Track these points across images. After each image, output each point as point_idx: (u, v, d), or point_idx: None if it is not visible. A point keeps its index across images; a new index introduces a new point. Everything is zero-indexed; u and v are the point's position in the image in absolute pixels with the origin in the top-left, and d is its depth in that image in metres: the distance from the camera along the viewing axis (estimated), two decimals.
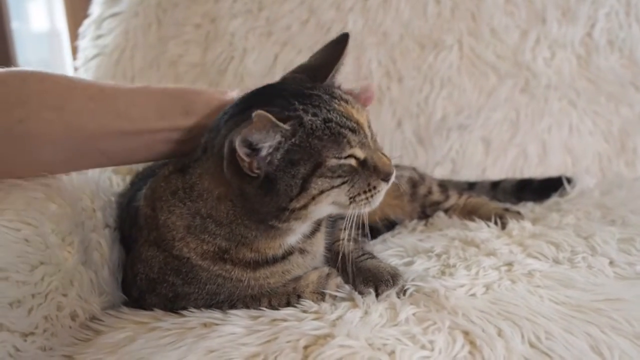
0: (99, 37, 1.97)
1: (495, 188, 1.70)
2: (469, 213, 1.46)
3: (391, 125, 1.86)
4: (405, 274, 1.06)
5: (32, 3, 2.82)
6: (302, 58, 1.81)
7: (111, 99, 1.04)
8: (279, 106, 0.91)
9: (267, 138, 0.87)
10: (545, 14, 1.88)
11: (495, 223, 1.36)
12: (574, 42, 1.88)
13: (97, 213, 1.14)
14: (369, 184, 0.94)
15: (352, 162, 0.92)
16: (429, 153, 1.86)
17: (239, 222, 0.96)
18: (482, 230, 1.31)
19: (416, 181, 1.52)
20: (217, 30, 1.92)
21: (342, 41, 1.03)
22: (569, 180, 1.69)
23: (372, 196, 0.94)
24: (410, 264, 1.13)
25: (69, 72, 2.18)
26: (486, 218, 1.38)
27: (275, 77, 1.80)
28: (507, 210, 1.44)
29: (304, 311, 0.96)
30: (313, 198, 0.91)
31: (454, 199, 1.54)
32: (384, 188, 0.95)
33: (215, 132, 0.96)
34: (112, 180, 1.24)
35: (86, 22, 1.99)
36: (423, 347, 0.82)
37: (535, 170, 1.83)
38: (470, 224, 1.36)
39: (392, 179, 0.96)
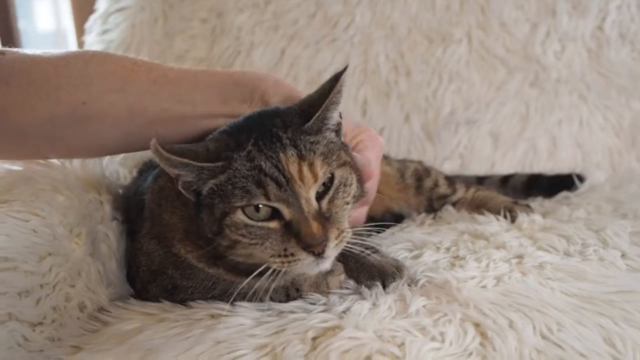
0: (105, 32, 1.97)
1: (505, 184, 1.69)
2: (478, 206, 1.45)
3: (399, 120, 1.85)
4: (413, 266, 1.06)
5: (38, 3, 2.82)
6: (309, 52, 1.88)
7: (174, 83, 1.02)
8: (240, 140, 0.89)
9: (174, 170, 0.87)
10: (556, 7, 1.88)
11: (505, 216, 1.34)
12: (584, 35, 1.87)
13: (105, 205, 1.14)
14: (286, 249, 0.87)
15: (274, 225, 0.87)
16: (437, 148, 1.85)
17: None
18: (492, 224, 1.29)
19: (421, 174, 1.50)
20: (224, 24, 1.92)
21: (337, 77, 0.93)
22: (580, 178, 1.68)
23: (288, 262, 0.87)
24: (418, 256, 1.12)
25: None
26: (495, 211, 1.37)
27: (282, 71, 1.83)
28: (516, 203, 1.43)
29: (312, 303, 0.95)
30: (229, 246, 0.90)
31: (461, 192, 1.52)
32: (306, 259, 0.86)
33: None
34: (119, 173, 1.24)
35: (92, 17, 1.99)
36: (433, 338, 0.81)
37: (545, 165, 1.82)
38: (479, 218, 1.34)
39: (323, 255, 0.86)
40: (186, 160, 0.85)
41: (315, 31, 1.89)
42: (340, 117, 0.96)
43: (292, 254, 0.86)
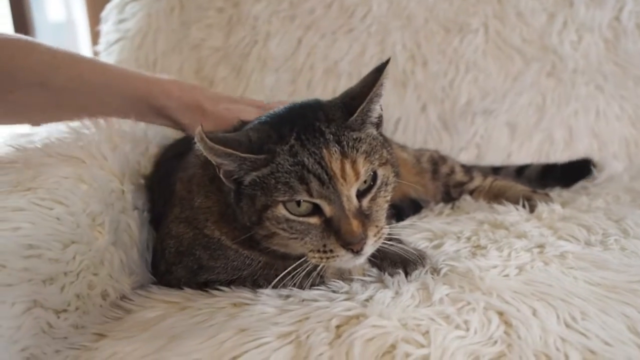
0: (121, 21, 1.97)
1: (520, 175, 1.68)
2: (496, 196, 1.44)
3: (416, 110, 1.84)
4: (435, 255, 1.06)
5: None
6: (326, 42, 1.88)
7: (91, 85, 1.16)
8: (282, 133, 0.89)
9: (217, 159, 0.88)
10: None
11: (523, 206, 1.34)
12: (601, 25, 1.86)
13: (127, 195, 1.15)
14: (325, 246, 0.88)
15: (315, 220, 0.88)
16: (453, 138, 1.84)
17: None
18: (511, 214, 1.29)
19: (437, 160, 1.50)
20: (240, 14, 1.91)
21: (380, 70, 0.94)
22: (594, 165, 1.67)
23: (327, 258, 0.88)
24: (439, 245, 1.12)
25: None
26: (514, 201, 1.36)
27: (299, 61, 1.82)
28: (535, 192, 1.42)
29: (334, 291, 0.95)
30: (266, 236, 0.91)
31: (478, 180, 1.52)
32: (345, 256, 0.88)
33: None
34: (140, 164, 1.24)
35: (108, 6, 1.99)
36: (458, 327, 0.81)
37: (562, 156, 1.81)
38: (499, 207, 1.34)
39: (361, 252, 0.88)
40: (230, 150, 0.86)
41: (331, 21, 1.88)
42: (381, 110, 0.97)
43: (331, 250, 0.87)
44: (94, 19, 2.12)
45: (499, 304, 0.86)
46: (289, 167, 0.85)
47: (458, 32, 1.86)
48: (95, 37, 2.07)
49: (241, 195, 0.90)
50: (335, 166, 0.86)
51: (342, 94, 0.97)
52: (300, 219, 0.87)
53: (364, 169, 0.88)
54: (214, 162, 0.89)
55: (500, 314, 0.84)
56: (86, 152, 1.13)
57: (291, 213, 0.87)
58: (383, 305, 0.87)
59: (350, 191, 0.87)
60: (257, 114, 1.06)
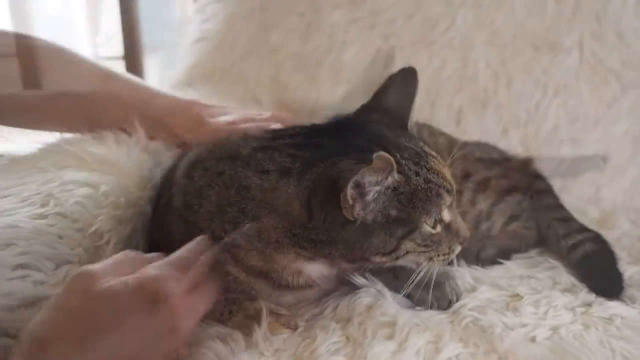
0: (203, 21, 1.95)
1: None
2: None
3: (496, 133, 1.71)
4: (465, 299, 0.98)
5: None
6: (404, 54, 1.78)
7: (127, 104, 1.19)
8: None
9: (380, 182, 0.80)
10: None
11: None
12: None
13: (145, 209, 1.08)
14: (449, 247, 0.90)
15: (439, 229, 0.88)
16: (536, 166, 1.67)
17: (279, 241, 0.88)
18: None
19: (481, 218, 1.33)
20: (319, 20, 1.85)
21: (411, 75, 0.95)
22: None
23: (448, 256, 0.91)
24: (473, 290, 1.02)
25: None
26: None
27: (374, 72, 1.74)
28: None
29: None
30: (397, 257, 0.87)
31: None
32: (459, 249, 0.92)
33: (297, 160, 0.87)
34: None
35: (192, 8, 1.99)
36: None
37: None
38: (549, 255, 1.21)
39: None
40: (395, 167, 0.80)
41: (412, 32, 1.78)
42: None
43: (453, 250, 0.90)
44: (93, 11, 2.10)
45: None
46: (424, 185, 0.84)
47: (549, 50, 1.72)
48: (94, 29, 2.06)
49: (370, 230, 0.84)
50: (447, 175, 0.88)
51: (367, 111, 0.97)
52: (434, 231, 0.87)
53: (451, 171, 0.91)
54: (351, 199, 0.80)
55: None
56: (105, 158, 1.08)
57: (434, 228, 0.87)
58: None
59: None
60: (256, 127, 1.04)
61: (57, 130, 1.18)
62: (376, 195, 0.81)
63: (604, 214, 1.55)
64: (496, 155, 1.46)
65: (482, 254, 1.21)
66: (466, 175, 1.33)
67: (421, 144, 0.91)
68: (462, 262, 1.13)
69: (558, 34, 1.71)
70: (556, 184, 1.63)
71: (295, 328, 0.91)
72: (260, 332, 0.86)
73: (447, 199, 0.87)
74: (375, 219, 0.82)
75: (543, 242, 1.30)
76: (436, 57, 1.76)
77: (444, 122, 1.69)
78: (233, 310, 0.93)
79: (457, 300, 0.97)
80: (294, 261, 0.89)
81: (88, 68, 1.20)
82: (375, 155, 0.75)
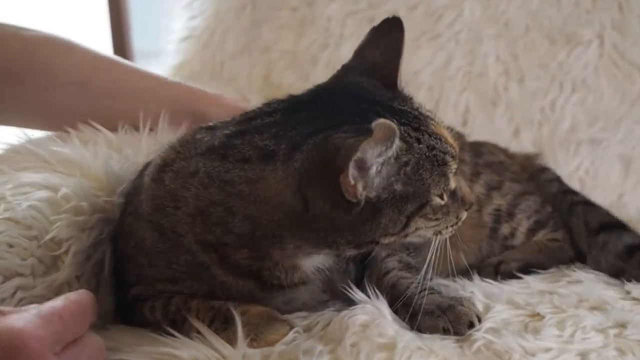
0: (191, 18, 1.86)
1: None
2: None
3: (507, 134, 1.62)
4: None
5: None
6: (406, 49, 1.61)
7: (131, 90, 1.14)
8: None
9: (383, 153, 0.71)
10: None
11: None
12: None
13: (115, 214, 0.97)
14: (457, 217, 0.84)
15: (446, 199, 0.81)
16: None
17: (276, 235, 0.79)
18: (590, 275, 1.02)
19: (501, 215, 1.19)
20: (314, 14, 1.76)
21: (396, 26, 0.88)
22: None
23: (456, 225, 0.85)
24: (487, 309, 0.87)
25: None
26: None
27: None
28: None
29: None
30: (406, 235, 0.80)
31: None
32: (465, 216, 0.86)
33: (281, 140, 0.78)
34: None
35: (179, 3, 1.89)
36: None
37: None
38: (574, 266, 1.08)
39: None
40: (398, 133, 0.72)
41: (415, 26, 1.68)
42: None
43: (460, 218, 0.85)
44: None
45: None
46: (428, 153, 0.77)
47: (565, 43, 1.63)
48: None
49: (376, 209, 0.75)
50: (449, 138, 0.81)
51: (347, 71, 0.89)
52: (443, 202, 0.80)
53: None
54: (352, 179, 0.70)
55: None
56: (69, 158, 0.98)
57: (443, 199, 0.80)
58: None
59: None
60: None
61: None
62: (379, 167, 0.72)
63: (628, 221, 1.41)
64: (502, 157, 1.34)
65: (502, 267, 1.09)
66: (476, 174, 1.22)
67: (417, 104, 0.83)
68: (475, 275, 1.01)
69: (576, 25, 1.64)
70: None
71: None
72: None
73: (453, 166, 0.80)
74: (380, 196, 0.74)
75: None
76: (441, 51, 1.68)
77: (449, 123, 1.51)
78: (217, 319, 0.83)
79: (480, 321, 0.83)
80: (291, 256, 0.81)
81: (112, 61, 1.18)
82: (374, 124, 0.66)
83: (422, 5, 1.69)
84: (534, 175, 1.32)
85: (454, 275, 1.00)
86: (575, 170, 1.59)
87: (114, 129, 1.10)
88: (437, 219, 0.81)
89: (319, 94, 0.86)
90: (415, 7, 1.69)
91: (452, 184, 0.81)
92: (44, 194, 0.88)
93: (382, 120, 0.66)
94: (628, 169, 1.58)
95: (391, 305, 0.85)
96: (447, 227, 0.84)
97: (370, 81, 0.85)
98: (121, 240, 0.93)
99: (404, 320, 0.84)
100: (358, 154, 0.68)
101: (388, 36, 0.87)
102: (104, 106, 1.12)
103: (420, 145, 0.76)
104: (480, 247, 1.17)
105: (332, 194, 0.72)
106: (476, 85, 1.66)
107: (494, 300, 0.90)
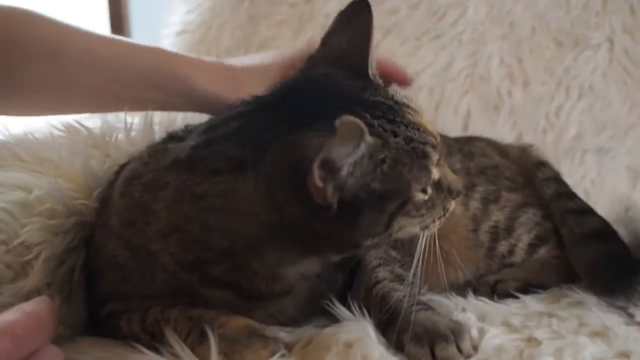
0: (187, 12, 1.83)
1: None
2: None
3: (509, 140, 1.52)
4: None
5: None
6: (407, 49, 1.60)
7: (106, 59, 1.05)
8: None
9: (352, 152, 0.67)
10: None
11: None
12: None
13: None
14: (444, 208, 0.81)
15: (431, 192, 0.77)
16: None
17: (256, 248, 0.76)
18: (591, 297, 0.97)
19: (499, 232, 1.14)
20: (312, 10, 1.72)
21: (363, 8, 0.84)
22: None
23: (443, 216, 0.82)
24: (481, 333, 0.82)
25: None
26: None
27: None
28: None
29: None
30: (390, 235, 0.77)
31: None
32: (453, 206, 0.84)
33: (248, 147, 0.75)
34: None
35: None
36: None
37: None
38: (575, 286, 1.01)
39: None
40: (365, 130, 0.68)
41: (416, 25, 1.65)
42: None
43: (448, 209, 0.82)
44: None
45: None
46: (406, 147, 0.73)
47: (573, 47, 1.59)
48: None
49: (355, 211, 0.72)
50: (429, 126, 0.78)
51: (315, 62, 0.86)
52: (427, 196, 0.77)
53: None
54: (320, 181, 0.67)
55: None
56: (47, 157, 0.95)
57: (426, 194, 0.77)
58: None
59: None
60: None
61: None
62: (351, 168, 0.68)
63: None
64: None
65: (499, 287, 1.04)
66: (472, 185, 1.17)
67: (391, 93, 0.79)
68: (470, 294, 0.97)
69: (584, 27, 1.60)
70: None
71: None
72: None
73: (434, 157, 0.76)
74: (357, 196, 0.70)
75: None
76: (443, 52, 1.64)
77: (449, 128, 1.54)
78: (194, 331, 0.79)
79: (476, 351, 0.79)
80: (273, 267, 0.78)
81: (84, 32, 1.09)
82: (337, 121, 0.62)
83: (424, 3, 1.66)
84: (530, 172, 1.27)
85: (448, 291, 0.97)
86: (581, 180, 1.55)
87: (92, 108, 1.10)
88: (421, 215, 0.78)
89: (285, 92, 0.82)
90: (417, 5, 1.66)
91: (436, 175, 0.78)
92: (16, 195, 0.85)
93: (345, 117, 0.62)
94: (636, 181, 1.54)
95: (379, 317, 0.82)
96: (434, 221, 0.81)
97: (339, 72, 0.82)
98: (92, 252, 0.90)
99: (392, 333, 0.80)
100: (323, 155, 0.64)
101: (355, 21, 0.84)
102: (78, 83, 1.06)
103: (397, 139, 0.72)
104: (477, 266, 1.13)
105: (304, 199, 0.69)
106: (478, 89, 1.62)
107: (488, 321, 0.85)
